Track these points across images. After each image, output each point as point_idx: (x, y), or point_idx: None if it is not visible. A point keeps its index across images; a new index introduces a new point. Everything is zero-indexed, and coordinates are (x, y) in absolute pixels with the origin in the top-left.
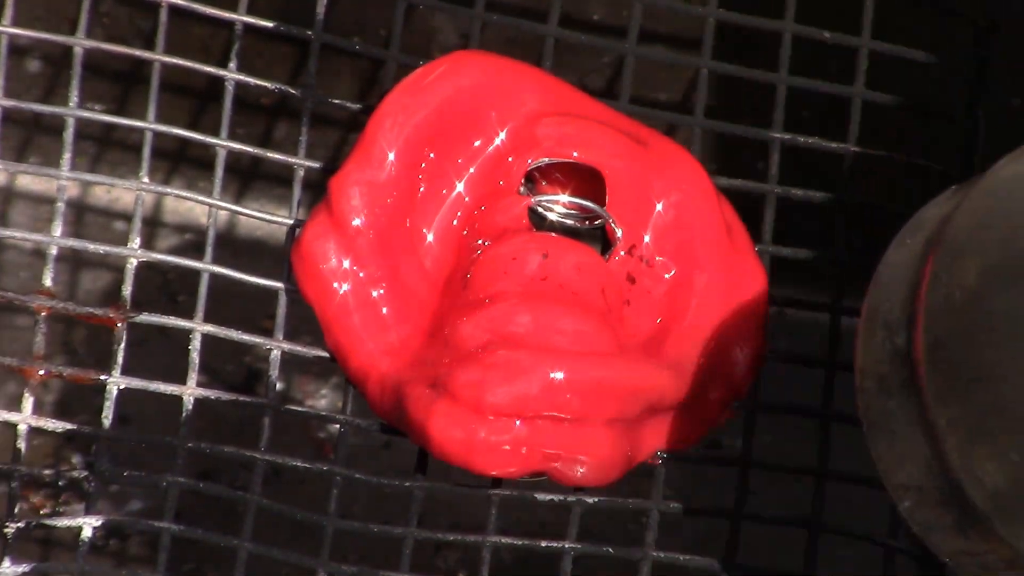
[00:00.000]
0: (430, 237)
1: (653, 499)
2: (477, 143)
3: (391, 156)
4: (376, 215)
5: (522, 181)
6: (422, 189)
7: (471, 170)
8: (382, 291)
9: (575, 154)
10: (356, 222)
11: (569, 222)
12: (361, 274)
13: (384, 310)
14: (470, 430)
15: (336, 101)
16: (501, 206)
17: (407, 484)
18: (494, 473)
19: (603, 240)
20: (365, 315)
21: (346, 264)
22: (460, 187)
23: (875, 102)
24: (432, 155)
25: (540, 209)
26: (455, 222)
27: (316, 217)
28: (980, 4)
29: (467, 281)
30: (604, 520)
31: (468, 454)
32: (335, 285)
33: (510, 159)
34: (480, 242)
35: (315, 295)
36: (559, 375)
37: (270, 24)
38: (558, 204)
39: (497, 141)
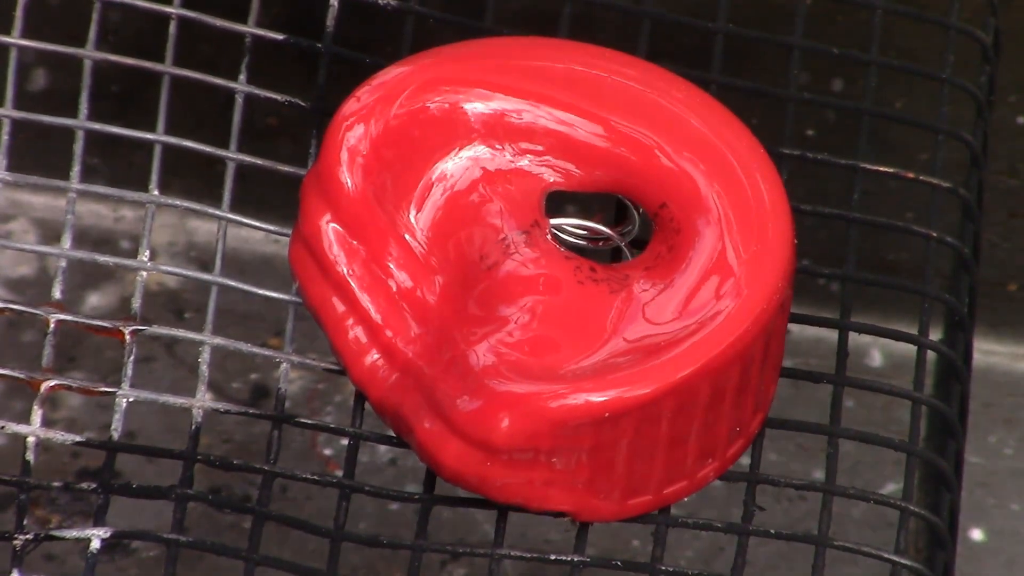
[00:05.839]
0: (420, 236)
1: (660, 514)
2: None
3: (360, 154)
4: (351, 217)
5: (542, 202)
6: (403, 187)
7: (457, 173)
8: (366, 295)
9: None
10: (325, 226)
11: (582, 243)
12: (331, 281)
13: (368, 316)
14: (484, 469)
15: None
16: (513, 223)
17: (416, 496)
18: (515, 503)
19: (615, 253)
20: (355, 321)
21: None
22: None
23: (884, 118)
24: (406, 153)
25: (553, 230)
26: (453, 225)
27: (295, 225)
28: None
29: (476, 297)
30: (610, 535)
31: (484, 489)
32: (318, 291)
33: (508, 155)
34: (489, 254)
35: (307, 304)
36: (569, 403)
37: (280, 37)
38: (569, 227)
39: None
